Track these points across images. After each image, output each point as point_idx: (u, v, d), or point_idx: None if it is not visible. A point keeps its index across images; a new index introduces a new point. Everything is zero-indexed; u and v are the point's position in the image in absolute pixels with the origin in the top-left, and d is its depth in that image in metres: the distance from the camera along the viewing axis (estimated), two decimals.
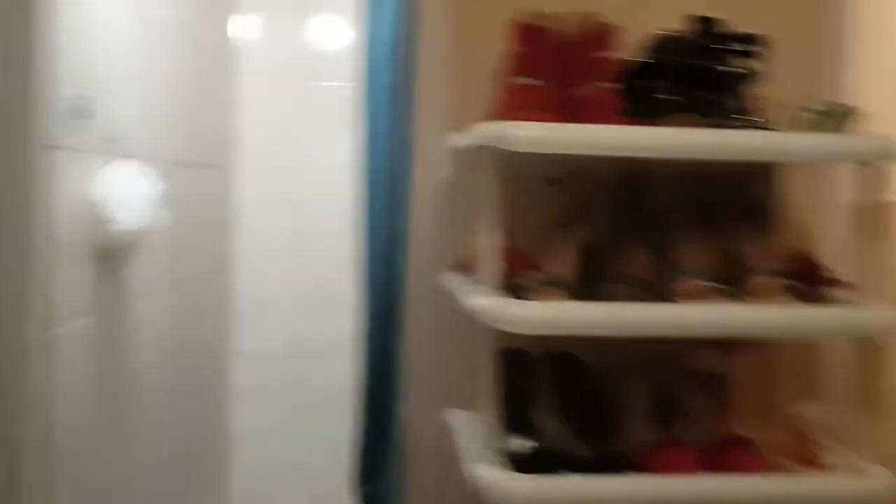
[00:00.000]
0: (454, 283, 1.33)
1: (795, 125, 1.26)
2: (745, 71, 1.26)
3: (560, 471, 1.17)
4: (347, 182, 3.23)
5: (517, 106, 1.22)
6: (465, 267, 1.33)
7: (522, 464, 1.18)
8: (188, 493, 2.69)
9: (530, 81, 1.23)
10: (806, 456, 1.25)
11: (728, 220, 1.29)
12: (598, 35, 1.25)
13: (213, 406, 3.07)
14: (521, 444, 1.24)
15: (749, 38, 1.28)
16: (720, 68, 1.25)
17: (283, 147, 3.21)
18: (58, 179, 1.66)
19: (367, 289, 2.56)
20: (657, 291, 1.20)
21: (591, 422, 1.29)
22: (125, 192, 1.92)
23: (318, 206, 3.24)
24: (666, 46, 1.29)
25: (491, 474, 1.15)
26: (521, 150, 1.05)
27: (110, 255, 1.94)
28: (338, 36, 3.21)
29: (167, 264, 2.40)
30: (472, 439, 1.29)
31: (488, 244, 1.13)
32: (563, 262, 1.22)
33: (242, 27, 3.18)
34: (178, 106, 2.47)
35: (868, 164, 1.22)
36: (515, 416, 1.24)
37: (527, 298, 1.16)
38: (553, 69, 1.23)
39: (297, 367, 3.25)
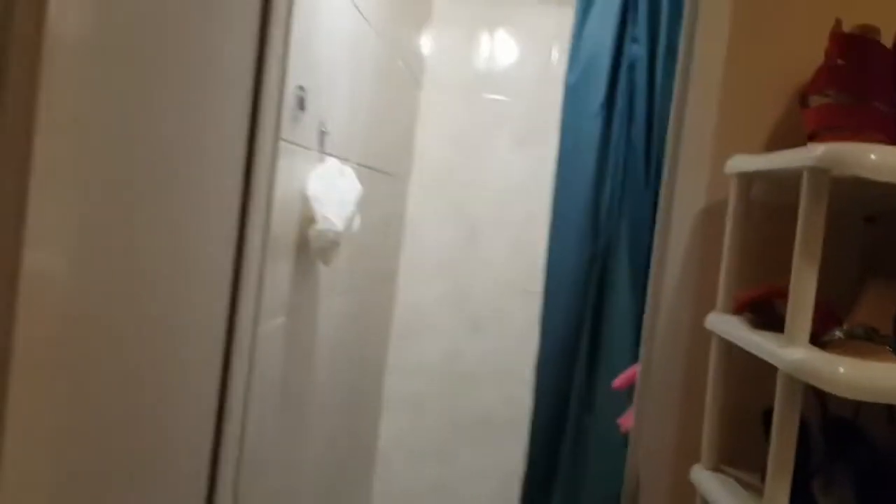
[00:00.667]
0: (732, 326, 1.15)
1: None
2: None
3: None
4: (517, 202, 3.13)
5: (840, 126, 1.05)
6: (748, 308, 1.16)
7: None
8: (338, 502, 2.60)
9: (853, 100, 1.06)
10: None
11: None
12: None
13: (368, 419, 2.99)
14: None
15: None
16: None
17: (455, 162, 3.12)
18: (278, 173, 1.60)
19: (547, 316, 2.42)
20: None
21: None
22: (333, 190, 1.85)
23: (484, 224, 3.12)
24: None
25: None
26: (875, 177, 0.88)
27: (308, 255, 1.88)
28: (526, 52, 3.10)
29: (348, 270, 2.33)
30: None
31: (803, 285, 0.96)
32: (877, 315, 1.03)
33: (429, 40, 3.13)
34: (372, 111, 2.41)
35: None
36: (791, 489, 1.06)
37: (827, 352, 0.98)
38: (887, 88, 1.05)
39: (449, 385, 3.14)
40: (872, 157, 0.89)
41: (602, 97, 2.25)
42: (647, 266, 2.31)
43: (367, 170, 2.42)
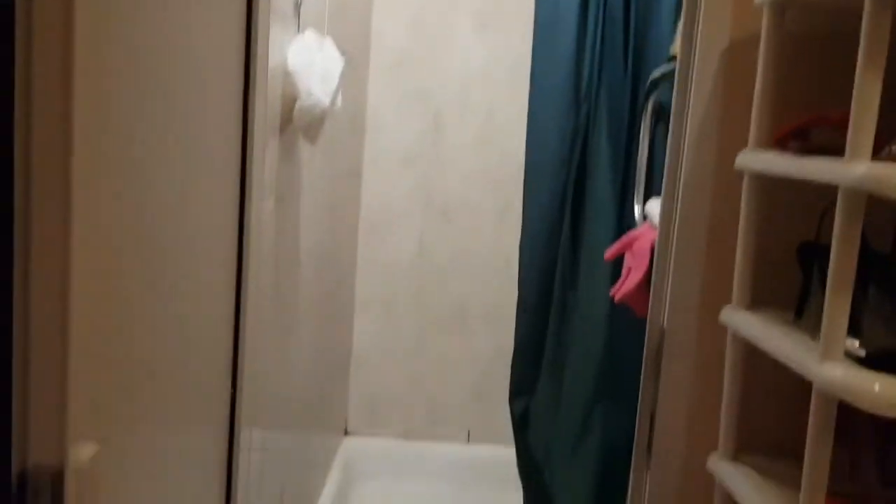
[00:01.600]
0: (771, 161, 1.14)
1: None
2: None
3: None
4: (481, 87, 3.04)
5: None
6: (790, 139, 1.14)
7: (866, 365, 1.02)
8: (320, 402, 2.58)
9: None
10: None
11: None
12: None
13: (344, 318, 2.94)
14: (852, 343, 1.07)
15: None
16: None
17: (414, 48, 3.00)
18: (270, 48, 1.49)
19: (529, 193, 2.38)
20: None
21: None
22: (314, 64, 1.75)
23: (448, 112, 3.03)
24: None
25: (853, 374, 0.98)
26: None
27: (290, 135, 1.78)
28: None
29: (326, 155, 2.24)
30: (786, 343, 1.12)
31: (867, 98, 0.94)
32: None
33: None
34: None
35: None
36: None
37: None
38: None
39: (421, 279, 3.10)
40: None
41: None
42: (628, 135, 2.30)
43: None
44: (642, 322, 1.55)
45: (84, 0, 0.72)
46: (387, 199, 3.07)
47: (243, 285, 1.38)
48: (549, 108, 2.25)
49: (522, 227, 2.36)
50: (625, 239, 2.08)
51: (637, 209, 2.22)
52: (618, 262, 2.12)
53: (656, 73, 2.09)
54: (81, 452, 0.75)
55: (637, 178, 2.21)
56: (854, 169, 0.95)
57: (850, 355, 1.04)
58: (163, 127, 1.04)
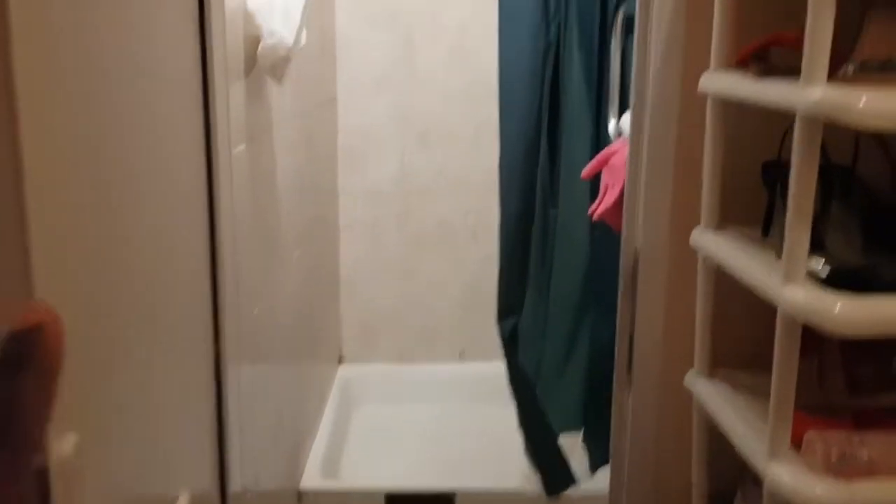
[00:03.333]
0: (731, 82, 1.13)
1: None
2: None
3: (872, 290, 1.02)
4: (452, 4, 2.97)
5: None
6: (750, 61, 1.13)
7: (829, 283, 1.04)
8: (313, 332, 2.63)
9: None
10: None
11: None
12: None
13: (329, 245, 2.96)
14: (815, 262, 1.09)
15: None
16: None
17: None
18: None
19: (504, 114, 2.36)
20: None
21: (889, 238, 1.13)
22: (276, 1, 1.71)
23: (420, 31, 2.97)
24: None
25: (814, 297, 1.00)
26: None
27: (257, 77, 1.75)
28: None
29: (295, 92, 2.21)
30: (752, 267, 1.14)
31: (821, 19, 0.92)
32: (884, 46, 1.01)
33: None
34: None
35: None
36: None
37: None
38: None
39: (403, 203, 3.10)
40: None
41: None
42: (600, 49, 2.27)
43: None
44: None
45: None
46: (364, 124, 3.04)
47: (217, 226, 1.39)
48: (519, 27, 2.20)
49: (500, 146, 2.35)
50: (601, 156, 2.07)
51: (612, 123, 2.21)
52: (597, 177, 2.12)
53: None
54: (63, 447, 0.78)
55: (610, 92, 2.19)
56: (809, 94, 0.94)
57: (813, 275, 1.07)
58: (114, 81, 1.02)
